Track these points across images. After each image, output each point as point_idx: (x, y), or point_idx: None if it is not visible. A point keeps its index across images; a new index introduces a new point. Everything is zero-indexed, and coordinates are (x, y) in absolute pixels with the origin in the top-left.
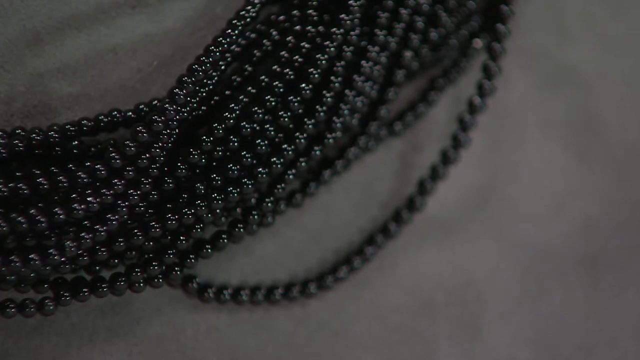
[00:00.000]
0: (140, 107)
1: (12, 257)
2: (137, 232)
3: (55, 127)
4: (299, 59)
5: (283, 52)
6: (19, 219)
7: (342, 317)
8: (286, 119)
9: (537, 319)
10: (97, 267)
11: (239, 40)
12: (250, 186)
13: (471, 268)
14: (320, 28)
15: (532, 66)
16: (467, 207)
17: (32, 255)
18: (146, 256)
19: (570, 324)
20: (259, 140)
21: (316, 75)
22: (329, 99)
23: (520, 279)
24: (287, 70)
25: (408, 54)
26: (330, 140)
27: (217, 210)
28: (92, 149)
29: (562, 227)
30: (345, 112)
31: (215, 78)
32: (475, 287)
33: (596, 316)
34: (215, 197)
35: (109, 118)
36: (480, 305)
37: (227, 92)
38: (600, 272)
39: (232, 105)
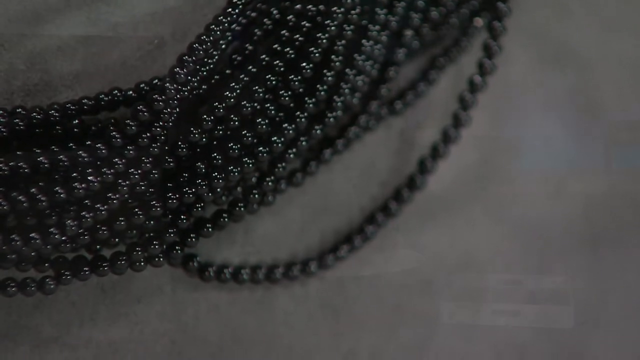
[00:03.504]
0: (141, 85)
1: (13, 236)
2: (137, 212)
3: (55, 106)
4: (300, 38)
5: (284, 31)
6: (20, 197)
7: (343, 297)
8: (287, 98)
9: (537, 299)
10: (98, 246)
11: (240, 19)
12: (250, 165)
13: (471, 248)
14: (321, 7)
15: (533, 45)
16: (467, 187)
17: (32, 234)
18: (147, 235)
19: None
20: (260, 120)
21: (317, 55)
22: (329, 78)
23: (520, 258)
24: (288, 49)
25: (409, 32)
26: (331, 120)
27: (218, 189)
28: (93, 127)
29: (562, 206)
30: (346, 91)
31: (216, 57)
32: (475, 267)
33: (597, 295)
34: (215, 176)
35: (110, 97)
36: (480, 285)
37: (227, 71)
38: (601, 252)
39: (233, 84)
